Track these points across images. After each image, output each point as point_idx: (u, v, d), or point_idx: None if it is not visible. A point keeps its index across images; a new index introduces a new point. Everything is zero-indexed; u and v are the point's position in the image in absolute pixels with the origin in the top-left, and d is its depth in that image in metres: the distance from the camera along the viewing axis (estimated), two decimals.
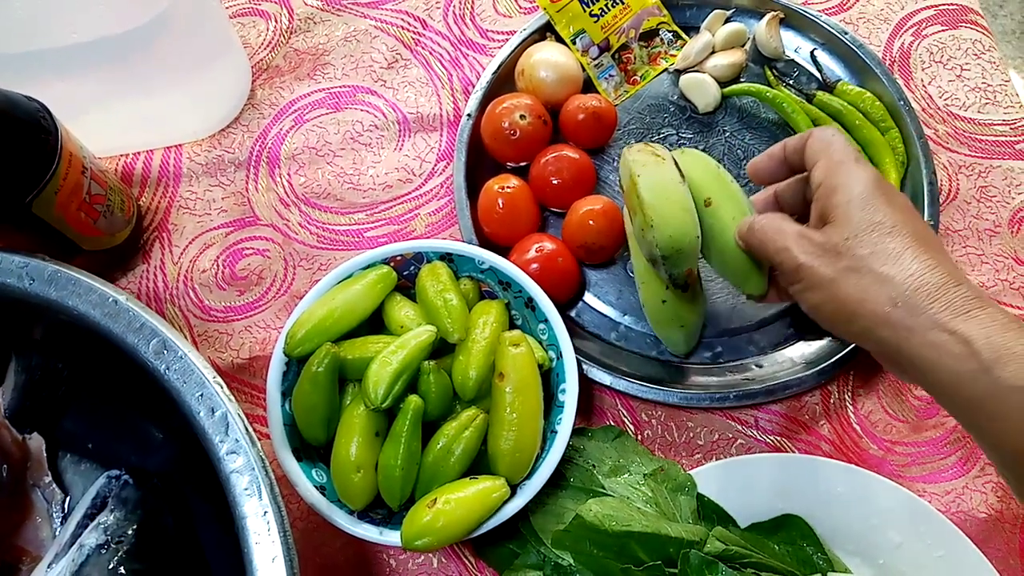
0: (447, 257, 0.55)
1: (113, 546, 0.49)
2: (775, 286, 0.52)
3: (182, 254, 0.62)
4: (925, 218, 0.60)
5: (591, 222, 0.58)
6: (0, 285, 0.48)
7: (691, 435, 0.57)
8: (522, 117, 0.60)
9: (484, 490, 0.48)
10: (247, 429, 0.44)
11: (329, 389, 0.50)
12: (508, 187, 0.59)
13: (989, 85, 0.66)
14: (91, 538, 0.49)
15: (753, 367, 0.58)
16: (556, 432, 0.51)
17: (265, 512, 0.43)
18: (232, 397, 0.45)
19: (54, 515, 0.55)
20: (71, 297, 0.48)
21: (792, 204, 0.52)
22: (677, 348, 0.57)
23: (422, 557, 0.54)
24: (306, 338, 0.51)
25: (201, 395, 0.45)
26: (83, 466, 0.57)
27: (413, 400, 0.49)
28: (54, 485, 0.55)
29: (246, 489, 0.43)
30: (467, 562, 0.54)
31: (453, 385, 0.51)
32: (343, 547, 0.55)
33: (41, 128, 0.50)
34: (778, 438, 0.57)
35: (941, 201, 0.62)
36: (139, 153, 0.65)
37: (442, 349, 0.53)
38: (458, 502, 0.47)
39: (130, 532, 0.50)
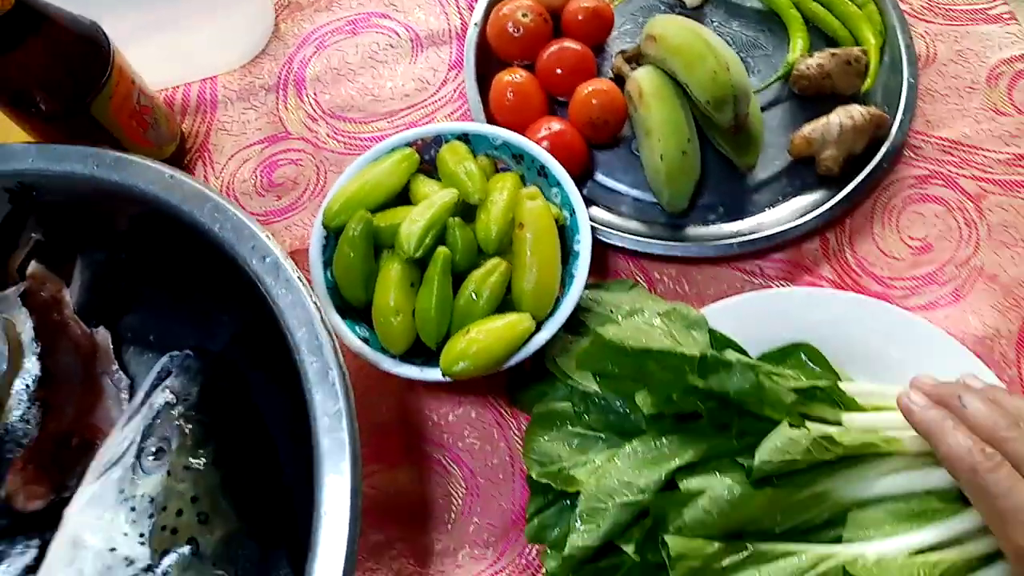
0: (463, 137, 0.60)
1: (179, 404, 0.54)
2: None
3: (223, 169, 0.68)
4: (905, 78, 0.64)
5: (594, 100, 0.63)
6: (69, 173, 0.54)
7: (700, 288, 0.61)
8: (524, 15, 0.65)
9: (512, 322, 0.53)
10: (294, 269, 0.49)
11: (365, 250, 0.55)
12: (517, 78, 0.64)
13: None
14: (159, 398, 0.54)
15: (755, 223, 0.62)
16: (574, 276, 0.55)
17: (317, 337, 0.48)
18: (280, 247, 0.50)
19: (123, 397, 0.60)
20: (132, 177, 0.53)
21: None
22: (680, 203, 0.62)
23: (461, 409, 0.59)
24: (342, 209, 0.56)
25: (253, 247, 0.50)
26: (146, 356, 0.62)
27: (442, 250, 0.54)
28: (121, 372, 0.60)
29: (297, 322, 0.48)
30: (502, 411, 0.58)
31: (477, 242, 0.56)
32: (389, 409, 0.59)
33: (96, 38, 0.56)
34: (782, 283, 0.61)
35: (920, 65, 0.67)
36: (177, 87, 0.71)
37: (465, 218, 0.57)
38: (489, 331, 0.52)
39: (194, 392, 0.54)
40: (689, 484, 0.43)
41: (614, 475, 0.44)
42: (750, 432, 0.45)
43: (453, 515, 0.56)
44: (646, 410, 0.48)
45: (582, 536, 0.43)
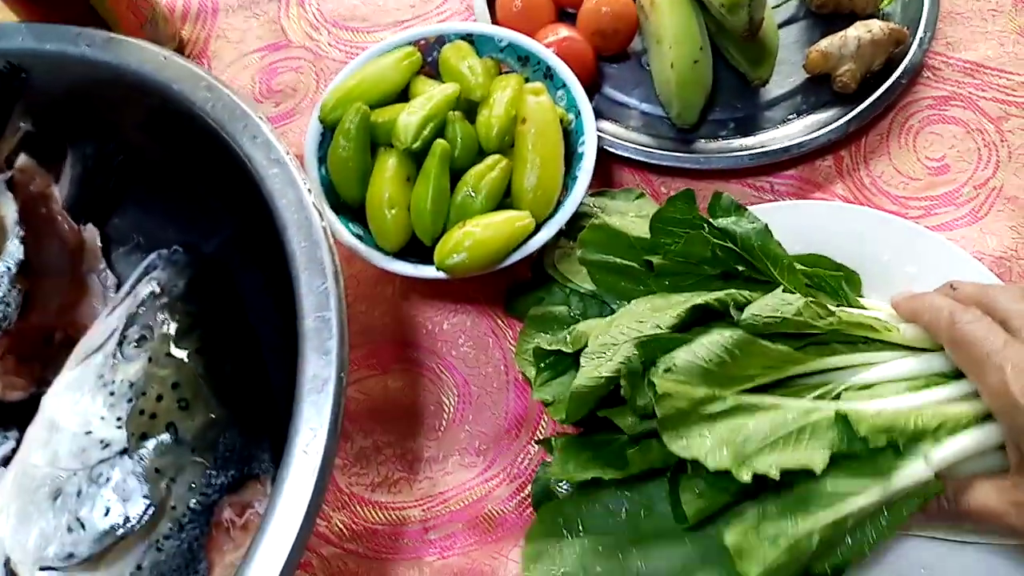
0: (468, 38, 0.58)
1: (164, 295, 0.52)
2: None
3: (221, 75, 0.66)
4: None
5: (605, 8, 0.61)
6: (60, 53, 0.53)
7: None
8: None
9: (511, 218, 0.51)
10: (286, 150, 0.48)
11: (361, 145, 0.53)
12: None
13: None
14: (144, 289, 0.52)
15: (766, 138, 0.60)
16: (577, 177, 0.53)
17: (307, 216, 0.46)
18: (271, 127, 0.48)
19: (109, 296, 0.58)
20: (124, 57, 0.52)
21: None
22: (690, 115, 0.60)
23: (456, 317, 0.57)
24: (339, 103, 0.54)
25: (245, 126, 0.49)
26: (134, 257, 0.60)
27: (440, 143, 0.52)
28: (108, 271, 0.59)
29: (287, 201, 0.47)
30: (498, 320, 0.56)
31: (478, 139, 0.54)
32: (382, 316, 0.57)
33: None
34: (793, 200, 0.58)
35: None
36: None
37: (468, 119, 0.55)
38: (486, 226, 0.50)
39: (180, 284, 0.53)
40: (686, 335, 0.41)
41: (626, 319, 0.43)
42: (757, 282, 0.44)
43: (444, 422, 0.54)
44: (656, 261, 0.47)
45: (594, 367, 0.41)
